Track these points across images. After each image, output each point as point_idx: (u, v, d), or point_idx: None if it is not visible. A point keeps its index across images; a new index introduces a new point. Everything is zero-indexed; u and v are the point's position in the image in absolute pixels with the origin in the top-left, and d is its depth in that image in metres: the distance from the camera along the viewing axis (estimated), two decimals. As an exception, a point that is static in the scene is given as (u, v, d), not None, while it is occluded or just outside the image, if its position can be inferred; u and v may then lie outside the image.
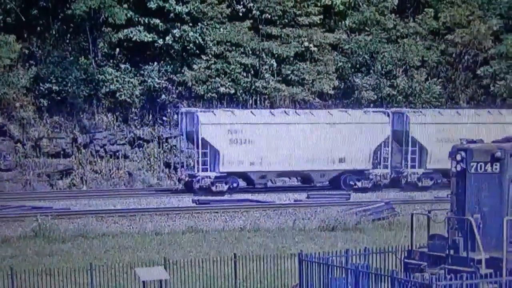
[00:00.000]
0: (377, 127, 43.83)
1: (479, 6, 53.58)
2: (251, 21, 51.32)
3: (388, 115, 44.66)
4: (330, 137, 43.50)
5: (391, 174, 44.66)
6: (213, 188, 42.64)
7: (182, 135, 44.94)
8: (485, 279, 18.53)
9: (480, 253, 19.20)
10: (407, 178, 44.34)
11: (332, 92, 50.66)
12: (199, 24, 50.42)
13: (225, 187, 42.94)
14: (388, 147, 44.51)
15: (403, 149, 44.68)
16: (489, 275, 18.63)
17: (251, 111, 44.70)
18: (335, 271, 20.54)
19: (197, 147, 42.75)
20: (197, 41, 50.11)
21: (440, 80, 51.83)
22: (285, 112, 44.42)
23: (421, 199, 39.38)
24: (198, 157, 42.77)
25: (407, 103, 50.39)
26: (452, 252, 19.81)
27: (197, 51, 50.53)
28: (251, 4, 51.35)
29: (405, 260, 20.86)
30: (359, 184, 43.93)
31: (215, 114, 43.30)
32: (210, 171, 42.93)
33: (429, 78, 51.59)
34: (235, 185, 43.28)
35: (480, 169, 20.31)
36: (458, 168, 20.56)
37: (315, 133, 43.51)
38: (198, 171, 42.91)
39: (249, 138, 42.80)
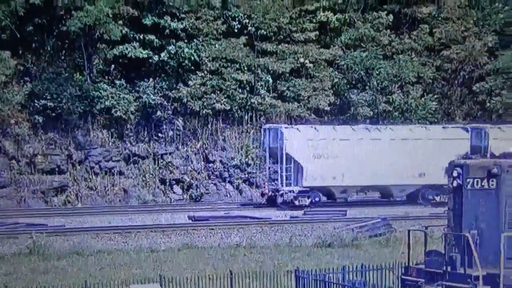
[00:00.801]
0: (456, 143, 44.22)
1: (474, 22, 53.75)
2: (247, 37, 51.37)
3: (467, 131, 45.33)
4: (410, 152, 44.17)
5: None
6: (296, 202, 43.46)
7: (265, 150, 45.59)
8: (482, 295, 18.53)
9: (477, 270, 19.18)
10: None
11: (328, 108, 50.71)
12: (194, 40, 50.50)
13: (307, 201, 43.68)
14: None
15: None
16: (486, 292, 18.65)
17: (333, 127, 45.62)
18: (332, 287, 20.51)
19: (281, 162, 43.61)
20: (193, 58, 50.17)
21: (435, 96, 51.90)
22: (366, 128, 45.44)
23: (417, 215, 39.28)
24: (282, 172, 43.66)
25: (403, 119, 50.44)
26: (449, 268, 19.79)
27: (193, 68, 50.59)
28: (246, 21, 51.44)
29: (402, 277, 20.82)
30: (437, 198, 44.32)
31: (299, 130, 44.33)
32: (294, 185, 43.47)
33: (425, 94, 51.67)
34: (317, 199, 44.11)
35: (477, 185, 20.32)
36: (455, 184, 20.59)
37: (396, 148, 44.18)
38: (282, 185, 43.68)
39: (332, 153, 43.47)
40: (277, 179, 44.72)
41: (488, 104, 51.08)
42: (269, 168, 46.36)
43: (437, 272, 19.92)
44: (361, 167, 43.37)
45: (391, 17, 53.34)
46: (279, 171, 44.18)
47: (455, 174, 20.61)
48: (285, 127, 44.58)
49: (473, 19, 53.84)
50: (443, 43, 53.32)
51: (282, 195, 43.54)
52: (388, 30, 53.51)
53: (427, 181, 44.55)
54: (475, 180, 20.30)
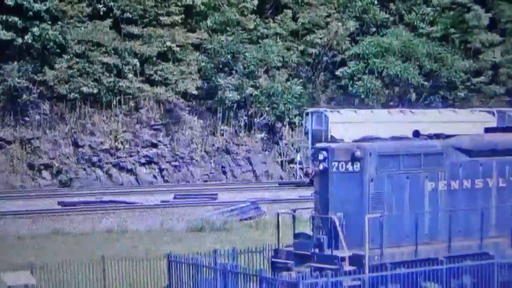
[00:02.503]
0: (481, 125, 44.46)
1: (336, 8, 54.83)
2: (112, 20, 50.86)
3: (494, 114, 46.62)
4: None
5: None
6: None
7: (307, 133, 45.41)
8: (348, 275, 19.14)
9: (343, 251, 19.80)
10: None
11: (196, 92, 50.82)
12: (59, 22, 49.62)
13: None
14: None
15: None
16: (352, 272, 19.29)
17: (371, 111, 46.09)
18: (203, 271, 20.76)
19: None
20: (58, 40, 49.27)
21: (300, 80, 52.78)
22: (401, 112, 46.00)
23: (287, 198, 39.97)
24: None
25: (269, 103, 51.09)
26: (317, 250, 20.31)
27: (58, 50, 49.68)
28: (112, 3, 50.90)
29: (272, 259, 21.29)
30: None
31: (340, 113, 44.90)
32: None
33: (290, 79, 52.48)
34: None
35: (342, 168, 20.84)
36: (321, 168, 21.05)
37: (427, 130, 44.36)
38: None
39: (372, 136, 43.21)
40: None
41: (350, 89, 52.35)
42: (312, 148, 46.41)
43: (306, 254, 20.45)
44: None
45: (256, 1, 53.77)
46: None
47: (320, 157, 21.07)
48: (330, 111, 45.37)
49: (334, 6, 54.89)
50: (307, 28, 54.20)
51: None
52: (254, 15, 53.95)
53: None
54: (340, 163, 20.83)
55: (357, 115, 45.26)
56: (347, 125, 43.94)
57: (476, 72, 53.35)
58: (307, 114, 46.42)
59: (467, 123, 45.72)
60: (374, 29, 54.94)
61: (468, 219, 21.80)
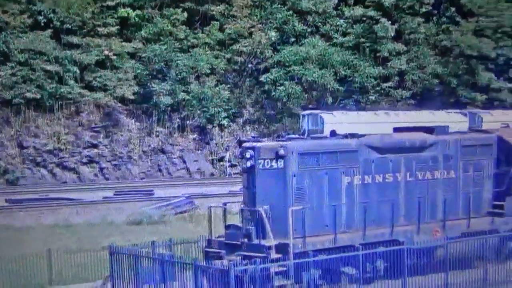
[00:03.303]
0: (457, 126, 44.20)
1: (259, 20, 54.99)
2: (52, 30, 50.21)
3: (466, 115, 47.27)
4: None
5: None
6: None
7: (303, 133, 44.31)
8: (275, 263, 19.33)
9: (270, 240, 19.99)
10: None
11: (132, 97, 50.46)
12: (2, 32, 48.79)
13: None
14: None
15: None
16: (278, 259, 19.48)
17: (357, 112, 46.45)
18: (143, 261, 20.71)
19: None
20: (2, 49, 48.47)
21: (228, 86, 52.80)
22: (386, 113, 46.48)
23: (218, 193, 39.95)
24: None
25: (200, 107, 51.02)
26: (246, 240, 20.47)
27: (2, 58, 48.79)
28: (52, 15, 50.24)
29: (206, 249, 21.37)
30: None
31: (334, 115, 44.90)
32: None
33: (219, 84, 52.46)
34: None
35: (267, 165, 21.04)
36: (248, 165, 21.23)
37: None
38: None
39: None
40: None
41: (273, 93, 52.57)
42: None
43: (236, 243, 20.59)
44: None
45: (186, 14, 53.65)
46: None
47: (247, 155, 21.25)
48: (325, 113, 45.43)
49: (257, 17, 55.05)
50: (233, 38, 54.25)
51: None
52: (184, 26, 53.78)
53: None
54: (266, 160, 21.04)
55: (347, 116, 45.70)
56: (338, 125, 43.90)
57: (385, 78, 54.08)
58: (303, 116, 46.51)
59: (443, 123, 47.05)
60: (293, 39, 55.25)
61: (380, 209, 22.21)
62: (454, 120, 47.06)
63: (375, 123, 44.29)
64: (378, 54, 54.37)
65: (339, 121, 44.48)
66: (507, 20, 55.01)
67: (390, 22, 54.40)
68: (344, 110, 49.48)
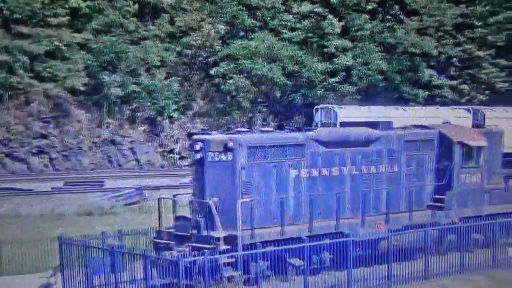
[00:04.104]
0: (461, 121, 46.07)
1: (208, 14, 54.83)
2: (2, 20, 49.34)
3: (469, 111, 47.90)
4: None
5: None
6: None
7: (316, 126, 44.10)
8: (223, 254, 19.35)
9: (219, 232, 20.01)
10: None
11: (83, 88, 49.90)
12: (-49, 22, 47.92)
13: None
14: None
15: None
16: (227, 251, 19.51)
17: (368, 107, 46.68)
18: (93, 251, 20.57)
19: None
20: (-50, 39, 47.57)
21: (178, 78, 52.53)
22: (395, 108, 47.05)
23: (168, 184, 39.82)
24: None
25: (150, 99, 50.69)
26: (195, 231, 20.46)
27: (-49, 48, 47.92)
28: (2, 4, 49.38)
29: (155, 240, 21.29)
30: None
31: (345, 109, 45.59)
32: None
33: (169, 77, 52.18)
34: None
35: (216, 157, 21.03)
36: (198, 157, 21.19)
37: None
38: None
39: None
40: None
41: (222, 87, 52.49)
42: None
43: (185, 235, 20.55)
44: None
45: (136, 6, 53.21)
46: None
47: (197, 148, 21.21)
48: (338, 107, 46.05)
49: (207, 11, 54.86)
50: (183, 31, 54.01)
51: None
52: (134, 18, 53.34)
53: None
54: (215, 153, 21.02)
55: (357, 110, 46.26)
56: (350, 119, 44.42)
57: (331, 73, 54.38)
58: (316, 109, 46.94)
59: (448, 118, 48.03)
60: (242, 34, 55.22)
61: (327, 202, 22.38)
62: (458, 115, 48.20)
63: (385, 118, 45.69)
64: (325, 50, 54.65)
65: (352, 115, 45.27)
66: (448, 20, 55.78)
67: (337, 18, 54.73)
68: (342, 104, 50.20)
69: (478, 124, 44.22)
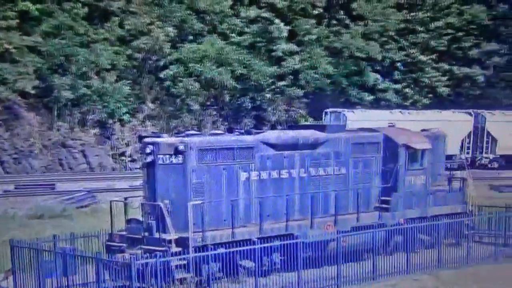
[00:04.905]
0: (463, 123, 49.57)
1: (158, 17, 54.50)
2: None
3: (471, 115, 50.34)
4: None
5: (471, 158, 50.72)
6: None
7: None
8: (175, 256, 19.24)
9: (170, 234, 19.90)
10: (481, 161, 51.05)
11: (33, 91, 49.11)
12: None
13: None
14: (470, 138, 50.54)
15: (479, 139, 51.16)
16: (178, 253, 19.39)
17: (375, 111, 48.56)
18: (44, 255, 20.27)
19: None
20: None
21: (128, 81, 52.10)
22: (400, 112, 49.08)
23: (120, 187, 39.18)
24: None
25: (101, 102, 50.12)
26: (147, 234, 20.31)
27: None
28: (-50, 7, 48.46)
29: (107, 243, 21.08)
30: (448, 165, 48.94)
31: (354, 113, 47.49)
32: None
33: (119, 80, 51.71)
34: None
35: (167, 160, 20.93)
36: (149, 160, 21.06)
37: (422, 127, 46.76)
38: None
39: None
40: None
41: (172, 90, 52.16)
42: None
43: (137, 237, 20.38)
44: None
45: (86, 9, 52.61)
46: None
47: (148, 151, 21.09)
48: (347, 111, 47.33)
49: (156, 14, 54.52)
50: (133, 35, 53.59)
51: None
52: (84, 21, 52.71)
53: None
54: (165, 156, 20.92)
55: (366, 114, 47.49)
56: (359, 122, 44.42)
57: (279, 77, 54.55)
58: (325, 113, 48.42)
59: (451, 121, 49.48)
60: (191, 37, 55.03)
61: (276, 204, 22.42)
62: (460, 119, 50.48)
63: (391, 121, 46.40)
64: (273, 54, 54.81)
65: (360, 118, 45.92)
66: (392, 25, 56.44)
67: (283, 23, 54.91)
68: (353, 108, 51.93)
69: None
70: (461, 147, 50.65)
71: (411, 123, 49.11)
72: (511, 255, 25.45)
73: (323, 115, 49.06)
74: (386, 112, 49.07)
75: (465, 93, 59.14)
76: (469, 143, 51.13)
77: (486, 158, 51.82)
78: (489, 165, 51.43)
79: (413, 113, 50.02)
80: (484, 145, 51.84)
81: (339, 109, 49.60)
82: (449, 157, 50.62)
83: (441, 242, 24.33)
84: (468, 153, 51.48)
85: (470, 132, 50.94)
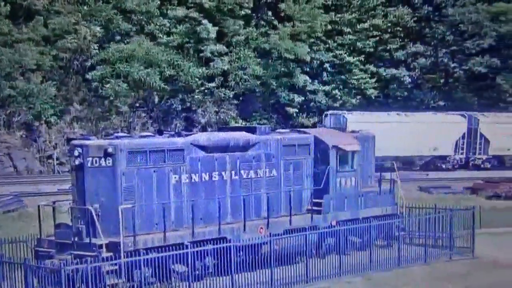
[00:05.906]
0: (457, 125, 50.51)
1: (83, 16, 53.59)
2: None
3: (465, 117, 51.28)
4: (427, 132, 48.88)
5: (465, 158, 51.60)
6: None
7: None
8: (106, 261, 18.93)
9: (100, 239, 19.58)
10: (474, 161, 51.91)
11: (-47, 92, 47.67)
12: None
13: None
14: (464, 139, 51.14)
15: (472, 140, 51.77)
16: (109, 258, 19.09)
17: (372, 113, 48.95)
18: (-31, 261, 19.73)
19: None
20: None
21: (54, 82, 51.05)
22: (397, 114, 50.19)
23: (47, 191, 38.24)
24: None
25: (27, 103, 48.99)
26: (77, 239, 19.95)
27: None
28: None
29: (36, 248, 20.63)
30: (443, 166, 50.69)
31: (353, 115, 48.16)
32: None
33: (45, 81, 50.64)
34: None
35: (96, 163, 20.62)
36: (77, 163, 20.71)
37: (418, 129, 48.57)
38: None
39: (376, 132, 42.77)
40: None
41: (100, 91, 51.36)
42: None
43: (67, 242, 20.00)
44: (393, 142, 45.77)
45: (9, 7, 51.35)
46: None
47: (76, 153, 20.75)
48: (347, 113, 48.01)
49: (81, 13, 53.61)
50: (58, 34, 52.53)
51: None
52: (7, 20, 51.43)
53: (438, 153, 50.59)
54: (94, 159, 20.62)
55: (365, 116, 47.84)
56: (359, 124, 44.41)
57: (209, 78, 54.32)
58: (325, 115, 49.06)
59: (446, 123, 50.67)
60: (119, 38, 54.30)
61: (208, 208, 22.32)
62: (454, 121, 51.51)
63: (387, 123, 47.97)
64: (201, 55, 54.56)
65: (359, 120, 46.13)
66: (319, 26, 56.85)
67: (211, 24, 54.73)
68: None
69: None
70: (455, 148, 51.70)
71: (407, 124, 49.96)
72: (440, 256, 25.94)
73: (323, 117, 49.81)
74: (383, 114, 50.20)
75: (392, 95, 60.05)
76: (463, 144, 52.03)
77: (479, 158, 52.84)
78: (482, 165, 52.45)
79: (409, 115, 51.16)
80: (477, 146, 52.88)
81: (339, 111, 50.52)
82: (443, 158, 51.75)
83: (372, 244, 24.61)
84: (462, 153, 52.49)
85: (464, 133, 51.91)
